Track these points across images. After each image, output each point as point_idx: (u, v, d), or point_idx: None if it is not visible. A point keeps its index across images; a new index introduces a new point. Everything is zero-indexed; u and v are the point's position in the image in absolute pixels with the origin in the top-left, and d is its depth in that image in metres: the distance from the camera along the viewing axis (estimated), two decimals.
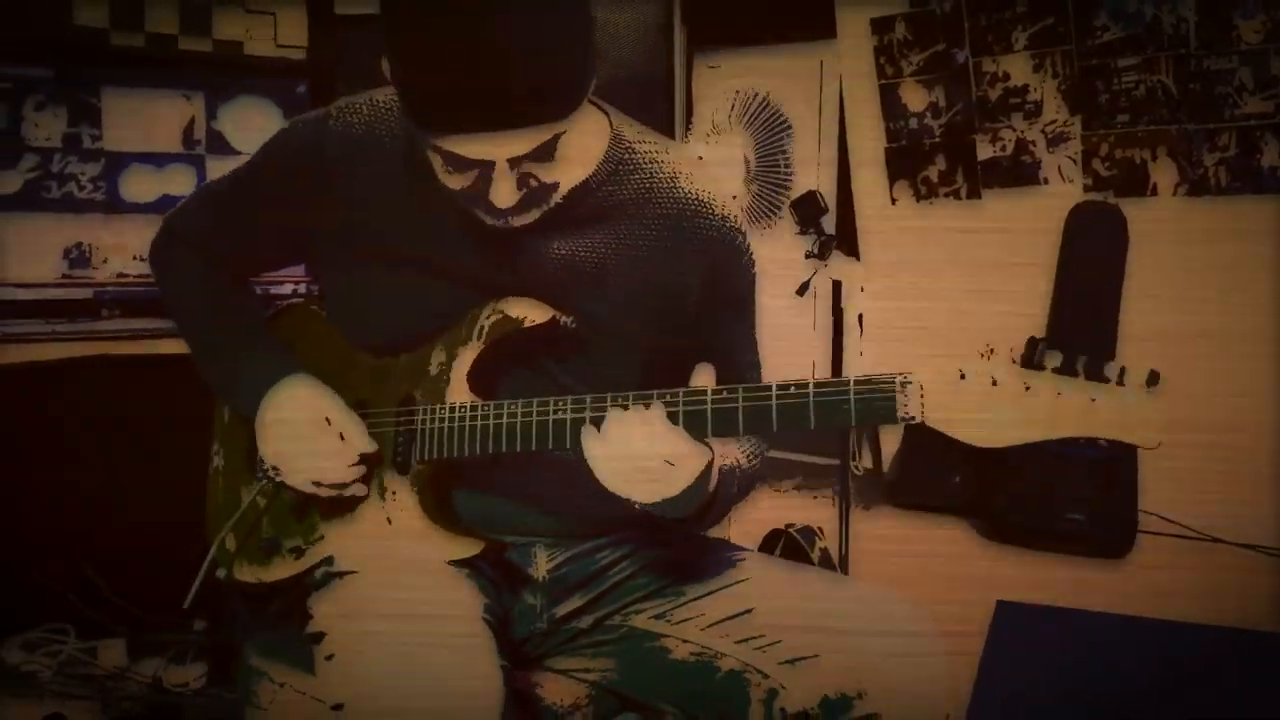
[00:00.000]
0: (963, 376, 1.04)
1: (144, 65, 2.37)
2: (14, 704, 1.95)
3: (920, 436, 3.47)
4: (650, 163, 1.25)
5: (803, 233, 2.12)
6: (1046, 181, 3.17)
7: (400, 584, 1.21)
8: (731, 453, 1.23)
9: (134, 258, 2.22)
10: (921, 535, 3.20)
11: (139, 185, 2.27)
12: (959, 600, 2.49)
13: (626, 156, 1.24)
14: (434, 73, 1.06)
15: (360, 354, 1.31)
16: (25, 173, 2.16)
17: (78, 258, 2.21)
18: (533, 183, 1.13)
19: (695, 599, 1.24)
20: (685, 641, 1.22)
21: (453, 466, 1.24)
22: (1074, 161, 3.12)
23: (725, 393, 1.09)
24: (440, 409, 1.22)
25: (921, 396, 1.06)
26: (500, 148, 1.08)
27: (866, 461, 3.89)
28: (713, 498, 1.18)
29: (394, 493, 1.24)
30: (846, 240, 3.58)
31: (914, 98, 3.31)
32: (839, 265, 2.07)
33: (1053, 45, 3.06)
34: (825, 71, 3.67)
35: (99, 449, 2.24)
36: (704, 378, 1.12)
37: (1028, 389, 1.01)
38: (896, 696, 1.13)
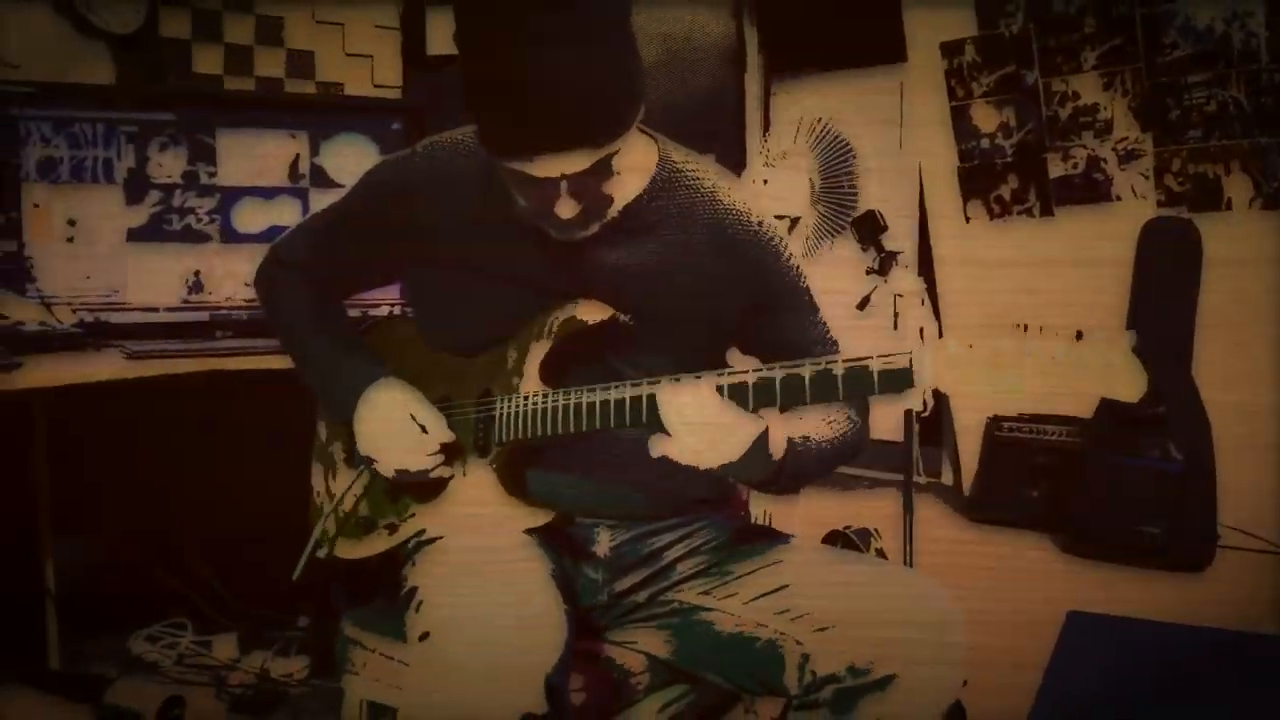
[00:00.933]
0: (970, 347, 1.13)
1: (254, 107, 2.55)
2: (140, 688, 2.13)
3: (999, 453, 3.49)
4: (693, 180, 1.37)
5: (864, 250, 2.21)
6: (1119, 198, 3.19)
7: (480, 547, 1.34)
8: (803, 426, 1.32)
9: (244, 284, 2.39)
10: (994, 548, 3.22)
11: (250, 217, 2.44)
12: (1030, 610, 2.53)
13: (672, 176, 1.36)
14: (502, 105, 1.19)
15: (443, 355, 1.45)
16: (150, 207, 2.35)
17: (195, 284, 2.40)
18: (591, 198, 1.26)
19: (739, 577, 1.35)
20: (729, 615, 1.33)
21: (527, 449, 1.37)
22: (1146, 178, 3.13)
23: (764, 369, 1.21)
24: (515, 397, 1.36)
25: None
26: (561, 167, 1.21)
27: (947, 478, 3.92)
28: (781, 464, 1.28)
29: (474, 474, 1.38)
30: (921, 258, 3.65)
31: (985, 118, 3.37)
32: (899, 280, 2.15)
33: (1122, 64, 3.09)
34: (895, 93, 3.74)
35: (213, 455, 2.42)
36: (741, 361, 1.24)
37: (1026, 355, 1.10)
38: (916, 663, 1.22)
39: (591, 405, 1.30)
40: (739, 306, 1.37)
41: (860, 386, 1.17)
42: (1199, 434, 2.99)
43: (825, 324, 1.44)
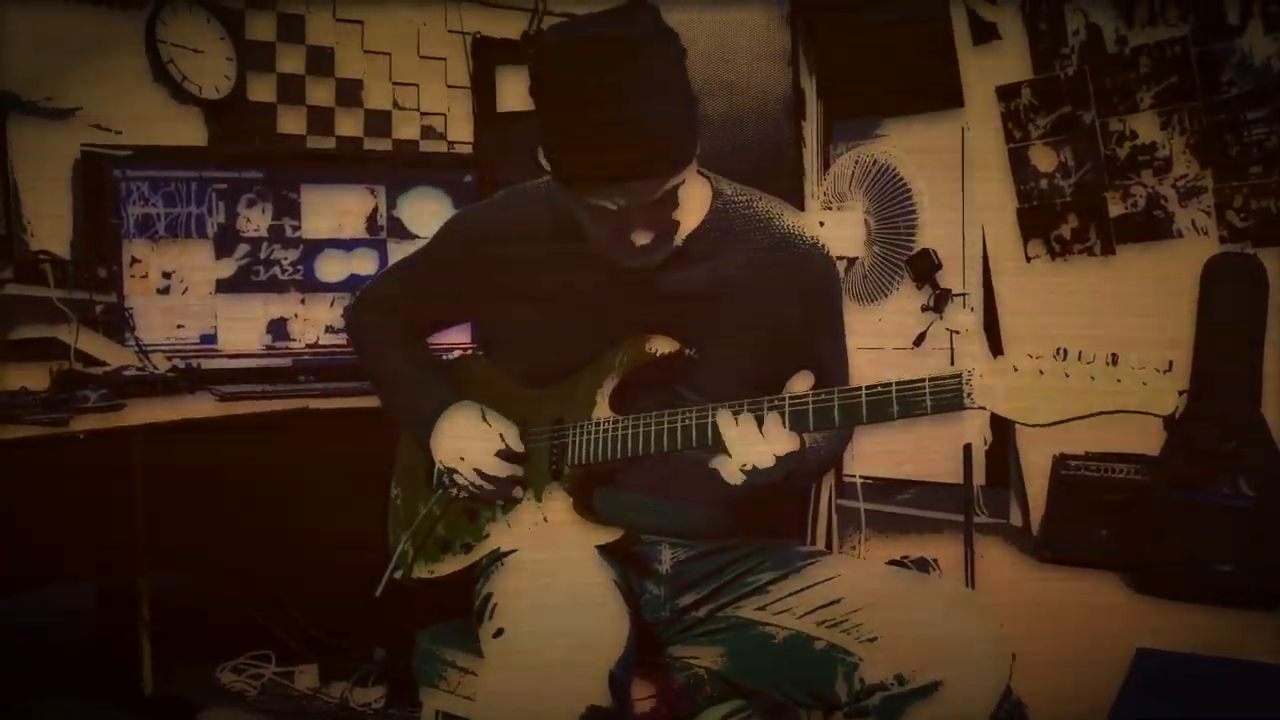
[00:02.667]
0: (1015, 370, 1.19)
1: (335, 164, 2.69)
2: (227, 717, 2.23)
3: (1067, 494, 3.47)
4: (747, 209, 1.47)
5: (919, 288, 2.26)
6: (1181, 235, 3.19)
7: (549, 559, 1.43)
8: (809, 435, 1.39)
9: (326, 329, 2.53)
10: (1063, 587, 3.19)
11: (330, 267, 2.56)
12: (1099, 648, 2.52)
13: (727, 208, 1.46)
14: (580, 145, 1.32)
15: (519, 388, 1.55)
16: (238, 260, 2.49)
17: (279, 331, 2.53)
18: (662, 226, 1.37)
19: (793, 593, 1.40)
20: (783, 629, 1.38)
21: (598, 473, 1.46)
22: (1208, 214, 3.13)
23: (824, 395, 1.28)
24: (586, 424, 1.46)
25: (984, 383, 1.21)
26: (636, 196, 1.32)
27: (1016, 519, 3.90)
28: (793, 470, 1.34)
29: (547, 497, 1.48)
30: (985, 297, 3.67)
31: (1043, 159, 3.40)
32: (955, 316, 2.19)
33: (1179, 102, 3.11)
34: (954, 137, 3.79)
35: (297, 493, 2.53)
36: (801, 383, 1.32)
37: (1066, 376, 1.16)
38: (961, 670, 1.26)
39: (660, 430, 1.38)
40: (793, 324, 1.45)
41: (914, 408, 1.23)
42: (1270, 469, 2.96)
43: (848, 363, 1.53)
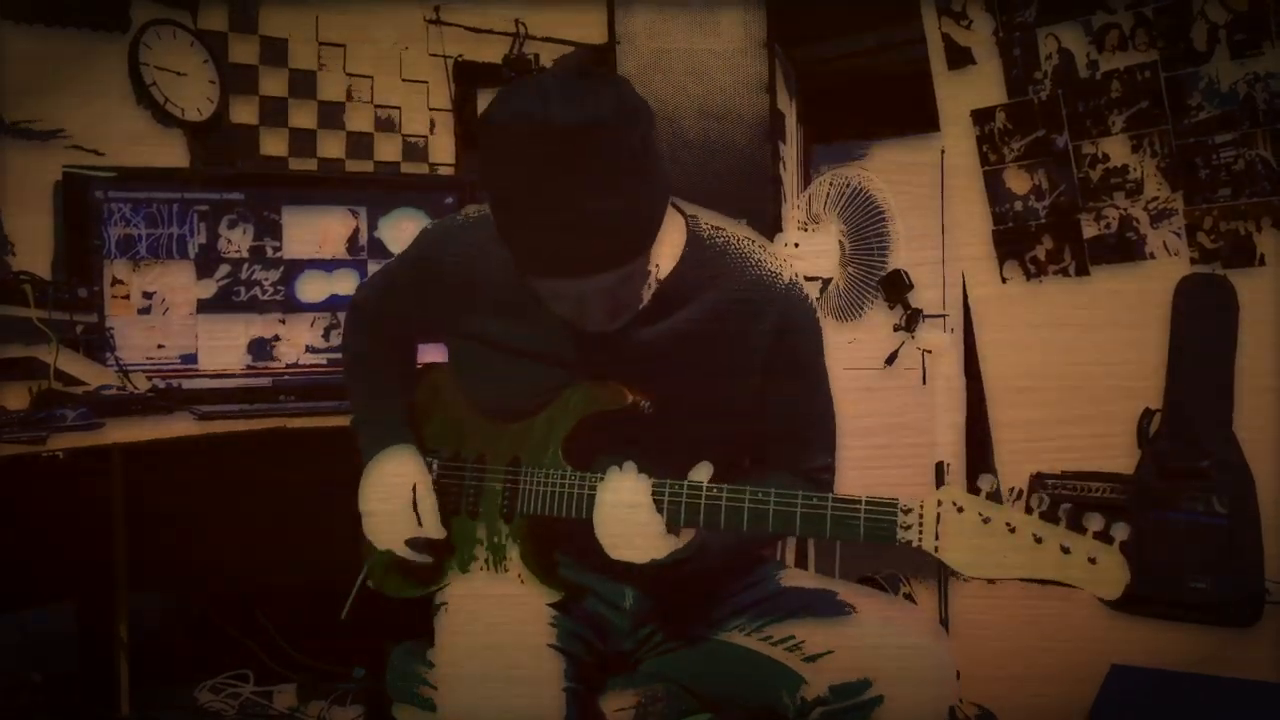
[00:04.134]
0: (960, 510, 1.15)
1: (316, 186, 2.70)
2: None
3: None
4: (723, 251, 1.41)
5: (891, 308, 2.29)
6: (1153, 256, 3.24)
7: (490, 617, 1.40)
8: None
9: (306, 349, 2.54)
10: (1036, 603, 3.21)
11: (311, 288, 2.57)
12: (1073, 665, 2.54)
13: (701, 251, 1.40)
14: (532, 234, 1.25)
15: (478, 416, 1.50)
16: (219, 280, 2.51)
17: (260, 351, 2.54)
18: (620, 301, 1.32)
19: (743, 609, 1.40)
20: (734, 644, 1.38)
21: (553, 524, 1.40)
22: (1179, 235, 3.18)
23: (727, 494, 1.25)
24: (538, 472, 1.40)
25: (921, 522, 1.18)
26: (589, 285, 1.27)
27: None
28: (694, 557, 1.32)
29: (500, 539, 1.44)
30: (962, 319, 3.71)
31: (1017, 182, 3.45)
32: (927, 336, 2.22)
33: (1149, 126, 3.16)
34: (930, 160, 3.84)
35: (275, 512, 2.53)
36: (701, 472, 1.28)
37: (1011, 530, 1.11)
38: (904, 685, 1.26)
39: (582, 495, 1.36)
40: (764, 369, 1.40)
41: (846, 531, 1.20)
42: (1242, 488, 2.99)
43: (823, 405, 1.47)
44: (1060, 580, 1.11)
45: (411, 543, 1.49)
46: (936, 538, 1.15)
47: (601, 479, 1.34)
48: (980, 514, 1.13)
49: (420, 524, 1.47)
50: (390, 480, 1.49)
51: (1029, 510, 1.13)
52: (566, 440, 1.41)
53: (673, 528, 1.28)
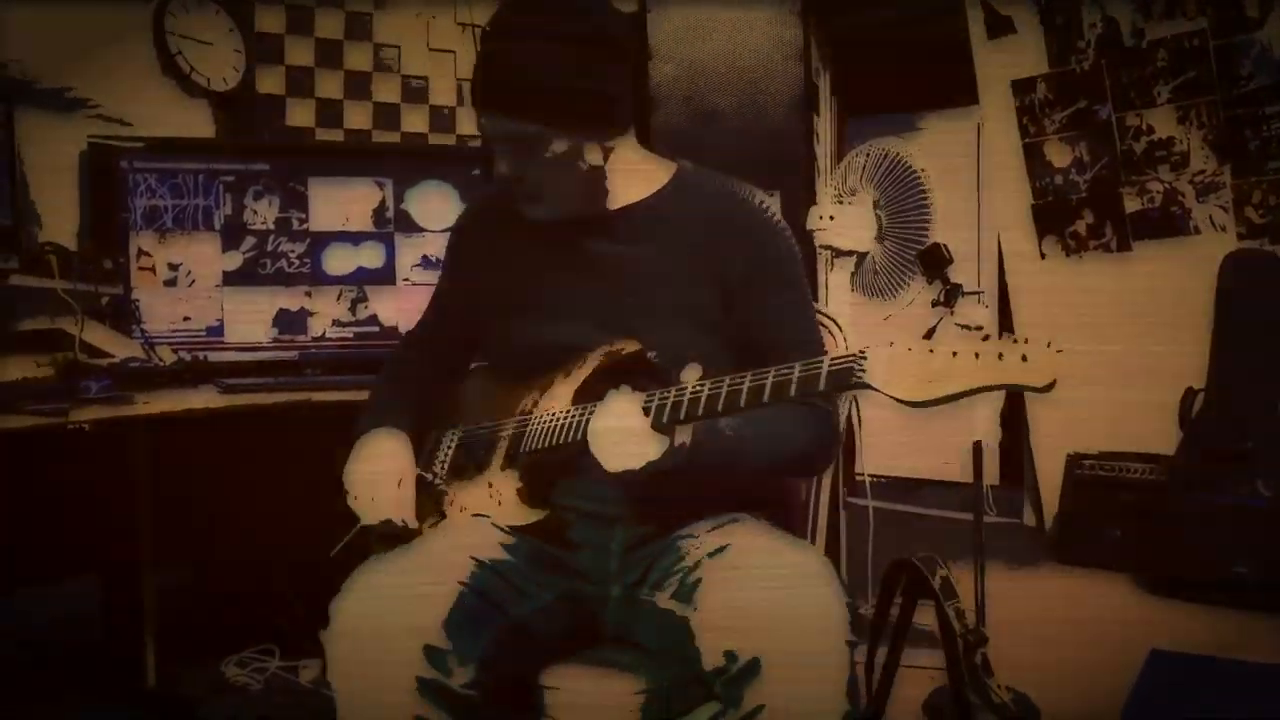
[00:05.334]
0: (909, 350, 1.15)
1: (343, 157, 2.68)
2: (230, 710, 2.22)
3: (1081, 494, 3.44)
4: (699, 189, 1.51)
5: (929, 283, 2.23)
6: (1198, 231, 3.15)
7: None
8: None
9: (332, 322, 2.52)
10: (1076, 588, 3.16)
11: (337, 260, 2.54)
12: (1112, 649, 2.49)
13: (683, 185, 1.51)
14: (487, 68, 1.43)
15: (506, 392, 1.56)
16: (245, 252, 2.48)
17: (286, 324, 2.52)
18: (538, 177, 1.42)
19: (679, 574, 1.39)
20: (670, 613, 1.36)
21: (553, 464, 1.47)
22: (1225, 210, 3.09)
23: (708, 385, 1.27)
24: (544, 416, 1.47)
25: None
26: (493, 127, 1.42)
27: (1030, 519, 3.86)
28: (689, 456, 1.32)
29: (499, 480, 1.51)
30: (1000, 295, 3.64)
31: (1058, 155, 3.36)
32: (965, 312, 2.16)
33: (1196, 96, 3.07)
34: (968, 132, 3.76)
35: (301, 485, 2.52)
36: (690, 374, 1.31)
37: (954, 355, 1.13)
38: (788, 648, 1.26)
39: (582, 420, 1.40)
40: (742, 282, 1.45)
41: (807, 387, 1.22)
42: None
43: (813, 317, 1.53)
44: (998, 382, 1.12)
45: (386, 525, 1.54)
46: (885, 375, 1.16)
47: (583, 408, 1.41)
48: (928, 348, 1.15)
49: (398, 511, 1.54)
50: (375, 462, 1.57)
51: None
52: (578, 390, 1.46)
53: (663, 428, 1.31)
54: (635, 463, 1.31)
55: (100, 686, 2.35)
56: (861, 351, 1.17)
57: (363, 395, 2.09)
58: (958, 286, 2.19)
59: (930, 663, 2.21)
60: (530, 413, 1.51)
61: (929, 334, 2.24)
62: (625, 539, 1.48)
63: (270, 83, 2.92)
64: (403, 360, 1.75)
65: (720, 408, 1.27)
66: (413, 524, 1.54)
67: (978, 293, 3.60)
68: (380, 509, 1.53)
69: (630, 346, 1.44)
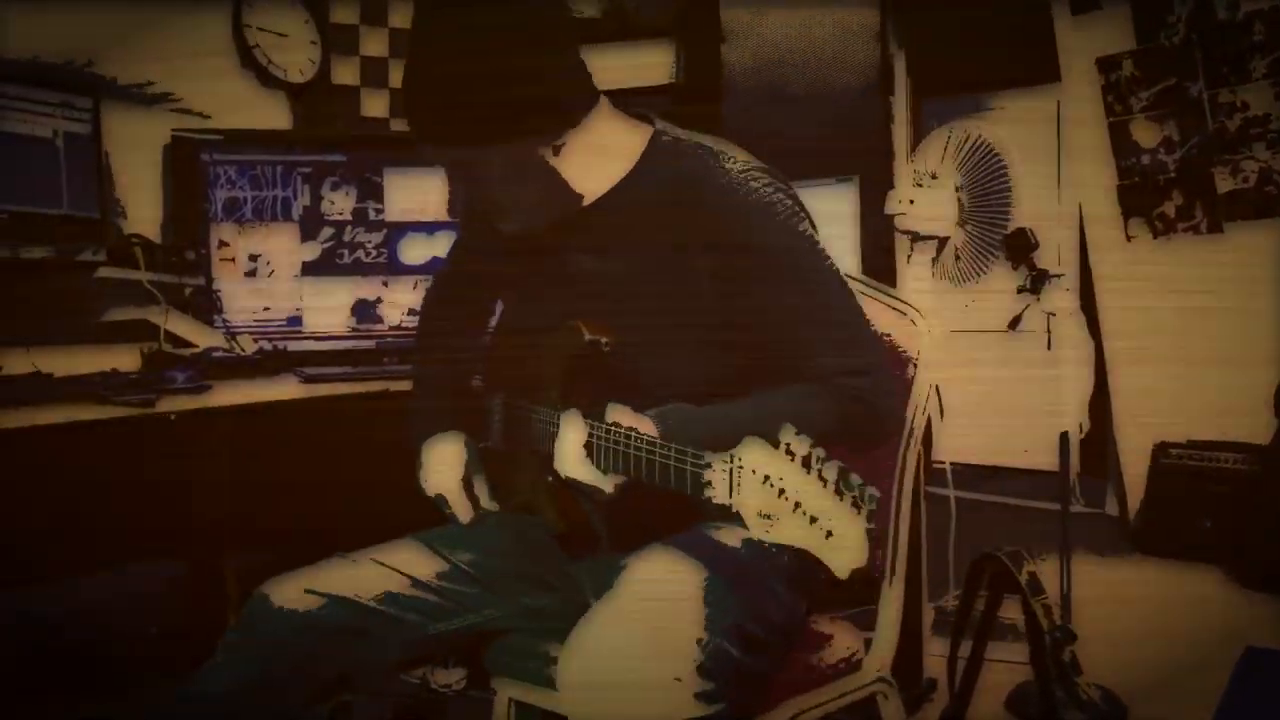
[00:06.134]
0: (753, 472, 1.09)
1: (416, 147, 2.70)
2: None
3: (1168, 484, 3.35)
4: (680, 155, 1.35)
5: (1015, 269, 2.17)
6: None
7: None
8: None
9: (408, 311, 2.54)
10: (1162, 580, 3.07)
11: (413, 250, 2.56)
12: (1201, 645, 2.41)
13: (656, 159, 1.36)
14: (412, 95, 1.31)
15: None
16: (323, 243, 2.52)
17: (363, 313, 2.55)
18: (500, 195, 1.33)
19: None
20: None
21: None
22: None
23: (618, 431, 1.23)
24: (544, 411, 1.41)
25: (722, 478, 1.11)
26: (436, 156, 1.34)
27: (1112, 509, 3.76)
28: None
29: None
30: (1081, 279, 3.54)
31: (1145, 134, 3.25)
32: (1053, 298, 2.10)
33: None
34: (1050, 112, 3.65)
35: (380, 473, 2.54)
36: (614, 413, 1.25)
37: (780, 494, 1.05)
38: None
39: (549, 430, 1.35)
40: (730, 277, 1.31)
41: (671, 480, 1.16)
42: None
43: (829, 292, 1.34)
44: (807, 549, 1.04)
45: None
46: (731, 494, 1.09)
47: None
48: (765, 475, 1.06)
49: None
50: (438, 468, 1.58)
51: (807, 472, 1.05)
52: (563, 385, 1.39)
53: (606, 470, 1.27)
54: (597, 495, 1.28)
55: (184, 669, 2.40)
56: (708, 459, 1.11)
57: None
58: (1044, 272, 2.13)
59: (1011, 656, 2.16)
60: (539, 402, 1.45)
61: (1014, 322, 2.19)
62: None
63: (345, 74, 2.95)
64: (432, 332, 1.74)
65: (604, 461, 1.23)
66: (467, 519, 1.55)
67: (1057, 275, 3.51)
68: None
69: (581, 333, 1.34)
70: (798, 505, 1.04)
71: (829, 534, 1.02)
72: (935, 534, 2.64)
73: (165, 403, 1.87)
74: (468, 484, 1.54)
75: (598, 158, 1.33)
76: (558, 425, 1.31)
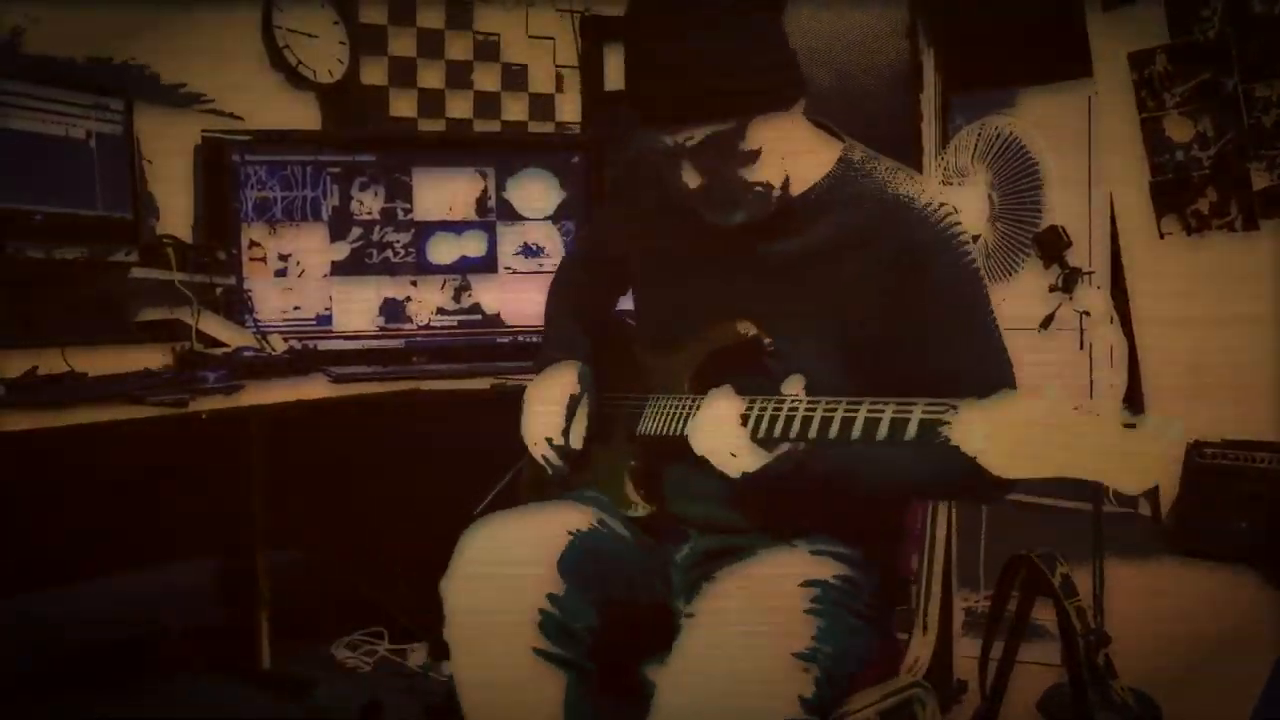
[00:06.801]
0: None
1: (445, 147, 2.70)
2: (341, 692, 2.27)
3: (1202, 483, 3.31)
4: (868, 177, 1.36)
5: (1047, 267, 2.14)
6: None
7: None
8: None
9: (437, 310, 2.54)
10: (1196, 581, 3.03)
11: (441, 250, 2.57)
12: (1236, 648, 2.38)
13: (846, 173, 1.36)
14: (640, 79, 1.31)
15: (644, 355, 1.54)
16: (352, 242, 2.52)
17: (392, 313, 2.56)
18: (723, 178, 1.30)
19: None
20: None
21: (670, 449, 1.41)
22: None
23: (804, 403, 1.22)
24: (663, 398, 1.44)
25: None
26: (681, 135, 1.27)
27: (1144, 508, 3.72)
28: (791, 476, 1.27)
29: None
30: (1113, 276, 3.50)
31: (1179, 130, 3.21)
32: (1085, 297, 2.07)
33: None
34: (1081, 107, 3.62)
35: (410, 472, 2.55)
36: (792, 385, 1.26)
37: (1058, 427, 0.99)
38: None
39: (688, 412, 1.37)
40: (891, 301, 1.32)
41: (894, 434, 1.12)
42: None
43: (999, 357, 1.33)
44: (1088, 476, 0.98)
45: (554, 448, 1.54)
46: (982, 440, 1.04)
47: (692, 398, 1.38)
48: (1030, 423, 1.02)
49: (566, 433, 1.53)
50: (555, 387, 1.55)
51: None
52: (696, 373, 1.42)
53: (764, 442, 1.26)
54: (731, 471, 1.27)
55: (217, 665, 2.43)
56: (953, 404, 1.07)
57: (468, 384, 2.11)
58: (1077, 270, 2.10)
59: (1042, 657, 2.14)
60: (656, 390, 1.48)
61: (1046, 322, 2.17)
62: (693, 553, 1.46)
63: (374, 74, 2.95)
64: (569, 283, 1.75)
65: (812, 432, 1.20)
66: (576, 445, 1.54)
67: (1089, 272, 3.47)
68: (549, 429, 1.54)
69: (748, 330, 1.38)
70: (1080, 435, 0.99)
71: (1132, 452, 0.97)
72: (965, 534, 2.62)
73: (197, 402, 1.88)
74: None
75: (800, 158, 1.35)
76: (691, 407, 1.35)
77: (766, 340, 1.37)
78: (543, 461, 1.55)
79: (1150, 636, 2.31)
